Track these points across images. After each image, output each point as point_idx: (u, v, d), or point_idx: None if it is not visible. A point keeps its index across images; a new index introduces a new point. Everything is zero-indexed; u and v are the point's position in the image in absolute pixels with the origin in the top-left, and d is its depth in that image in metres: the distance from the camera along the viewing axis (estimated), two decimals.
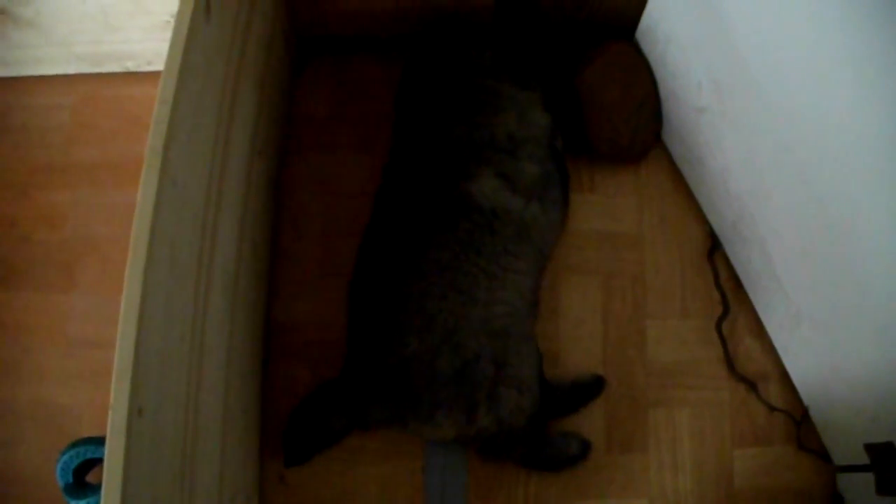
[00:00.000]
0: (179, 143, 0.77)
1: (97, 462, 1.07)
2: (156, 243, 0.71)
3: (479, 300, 1.03)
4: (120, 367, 0.67)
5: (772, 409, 1.16)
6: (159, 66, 1.27)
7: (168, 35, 1.18)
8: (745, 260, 1.17)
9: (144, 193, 0.72)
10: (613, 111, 1.17)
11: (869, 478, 1.03)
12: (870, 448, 1.02)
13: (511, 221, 1.06)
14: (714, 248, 1.21)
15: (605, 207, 1.23)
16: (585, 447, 1.11)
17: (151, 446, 0.71)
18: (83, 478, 1.07)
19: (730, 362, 1.17)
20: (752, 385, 1.17)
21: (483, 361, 1.02)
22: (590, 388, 1.14)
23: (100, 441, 1.06)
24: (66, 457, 1.05)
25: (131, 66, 1.29)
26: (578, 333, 1.16)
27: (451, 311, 1.02)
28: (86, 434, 1.09)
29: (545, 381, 1.09)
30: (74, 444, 1.05)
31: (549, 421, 1.11)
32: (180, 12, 0.80)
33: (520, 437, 1.06)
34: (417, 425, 1.04)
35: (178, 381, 0.79)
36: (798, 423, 1.15)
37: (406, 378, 1.02)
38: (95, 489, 1.05)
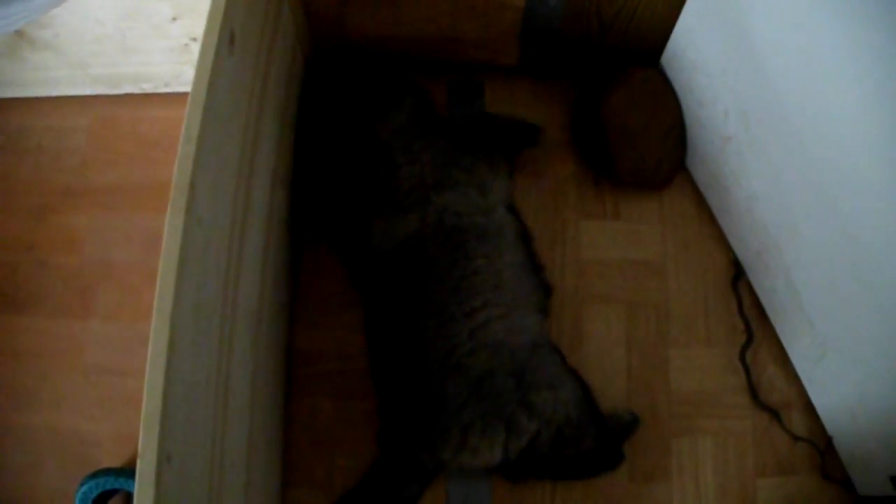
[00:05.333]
0: (205, 180, 0.75)
1: (117, 492, 1.06)
2: (183, 285, 0.69)
3: (455, 315, 1.02)
4: (148, 416, 0.65)
5: (795, 438, 1.15)
6: (177, 87, 1.28)
7: (186, 57, 1.20)
8: (770, 289, 1.15)
9: (170, 235, 0.70)
10: (638, 138, 1.15)
11: None
12: None
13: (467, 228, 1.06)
14: (738, 275, 1.20)
15: (629, 235, 1.21)
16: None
17: (180, 491, 0.69)
18: None
19: (753, 391, 1.16)
20: (775, 414, 1.15)
21: (499, 376, 1.01)
22: (628, 424, 1.12)
23: (119, 472, 1.05)
24: (85, 487, 1.04)
25: (148, 87, 1.28)
26: (602, 362, 1.15)
27: (434, 337, 1.02)
28: (105, 463, 1.09)
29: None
30: (94, 475, 1.04)
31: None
32: (204, 46, 0.77)
33: (586, 428, 1.04)
34: (453, 455, 1.01)
35: (204, 423, 0.77)
36: (822, 452, 1.14)
37: (426, 418, 1.01)
38: None
